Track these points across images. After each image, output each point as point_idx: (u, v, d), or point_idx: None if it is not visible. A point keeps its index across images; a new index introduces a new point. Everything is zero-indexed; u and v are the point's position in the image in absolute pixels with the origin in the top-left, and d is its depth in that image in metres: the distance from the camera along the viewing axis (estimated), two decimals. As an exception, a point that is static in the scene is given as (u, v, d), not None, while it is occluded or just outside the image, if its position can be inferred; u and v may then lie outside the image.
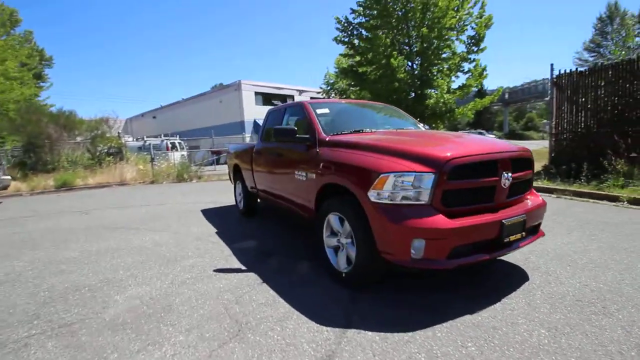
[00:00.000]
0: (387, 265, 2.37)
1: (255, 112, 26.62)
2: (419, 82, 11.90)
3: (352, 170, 2.47)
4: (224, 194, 8.37)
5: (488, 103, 12.84)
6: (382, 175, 2.23)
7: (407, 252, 2.15)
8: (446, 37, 11.78)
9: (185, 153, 18.49)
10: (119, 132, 14.58)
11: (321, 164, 2.89)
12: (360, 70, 13.32)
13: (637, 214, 4.69)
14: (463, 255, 2.19)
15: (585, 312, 2.18)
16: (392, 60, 10.84)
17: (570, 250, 3.33)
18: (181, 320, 2.30)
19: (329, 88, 25.74)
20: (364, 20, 12.85)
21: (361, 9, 12.79)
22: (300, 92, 29.67)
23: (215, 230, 4.71)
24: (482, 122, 48.86)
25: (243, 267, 3.26)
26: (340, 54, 15.57)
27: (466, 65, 12.62)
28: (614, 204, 5.28)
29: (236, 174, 5.86)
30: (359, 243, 2.44)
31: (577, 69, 7.92)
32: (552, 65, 8.07)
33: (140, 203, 7.52)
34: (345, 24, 13.18)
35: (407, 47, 12.38)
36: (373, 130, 3.35)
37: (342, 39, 13.49)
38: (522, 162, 2.57)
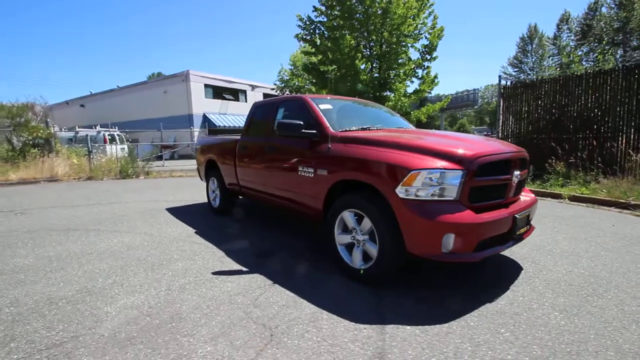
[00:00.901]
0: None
1: (205, 106, 25.26)
2: (378, 85, 12.35)
3: (378, 167, 2.46)
4: (185, 192, 7.80)
5: (438, 108, 13.83)
6: (412, 172, 2.26)
7: (438, 247, 2.21)
8: (403, 43, 12.42)
9: (126, 147, 16.78)
10: (47, 121, 12.67)
11: (335, 160, 2.83)
12: (322, 68, 13.41)
13: (580, 210, 5.45)
14: (485, 248, 2.32)
15: (581, 294, 2.47)
16: (357, 61, 11.08)
17: (543, 242, 3.74)
18: (199, 329, 2.08)
19: (283, 85, 25.45)
20: (326, 19, 12.94)
21: (323, 8, 12.86)
22: (253, 87, 28.86)
23: (194, 231, 4.35)
24: (422, 125, 52.56)
25: (244, 269, 3.06)
26: (302, 52, 15.49)
27: (420, 72, 13.45)
28: (557, 200, 6.07)
29: (210, 170, 5.48)
30: (382, 239, 2.45)
31: (519, 81, 8.92)
32: (500, 77, 8.98)
33: (86, 202, 6.63)
34: (308, 22, 13.16)
35: (368, 51, 12.76)
36: (379, 128, 3.38)
37: (304, 36, 13.46)
38: (524, 161, 2.82)
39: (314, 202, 3.14)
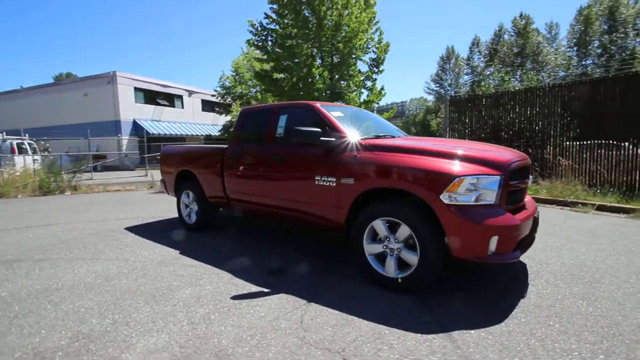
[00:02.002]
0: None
1: (136, 111, 22.94)
2: (332, 94, 12.62)
3: (421, 174, 2.47)
4: (137, 208, 6.90)
5: (386, 118, 14.66)
6: (457, 179, 2.33)
7: (485, 249, 2.30)
8: (354, 55, 12.94)
9: (39, 157, 14.28)
10: None
11: (364, 168, 2.77)
12: (275, 76, 13.22)
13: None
14: (519, 248, 2.49)
15: (585, 283, 2.79)
16: (313, 70, 11.17)
17: (524, 238, 4.16)
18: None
19: (224, 92, 24.49)
20: (278, 27, 12.84)
21: (274, 15, 12.77)
22: (190, 92, 27.12)
23: (178, 251, 3.84)
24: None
25: (265, 290, 2.79)
26: (254, 58, 15.09)
27: (368, 83, 14.14)
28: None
29: (182, 183, 4.94)
30: (424, 246, 2.46)
31: (464, 96, 9.96)
32: (447, 91, 9.89)
33: (11, 225, 5.42)
34: (260, 29, 12.91)
35: (321, 61, 12.98)
36: (393, 136, 3.42)
37: (256, 42, 13.16)
38: (530, 167, 3.11)
39: (335, 212, 3.03)
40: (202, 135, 26.35)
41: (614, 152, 6.77)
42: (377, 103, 14.25)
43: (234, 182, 4.03)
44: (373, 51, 13.66)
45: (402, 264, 2.65)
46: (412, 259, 2.54)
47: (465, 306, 2.44)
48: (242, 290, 2.78)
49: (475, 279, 2.97)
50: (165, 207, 6.89)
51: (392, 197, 2.72)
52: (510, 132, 8.67)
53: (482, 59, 44.28)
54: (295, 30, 12.31)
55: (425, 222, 2.46)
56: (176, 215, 5.91)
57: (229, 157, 4.04)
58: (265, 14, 12.75)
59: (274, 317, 2.33)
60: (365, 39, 12.70)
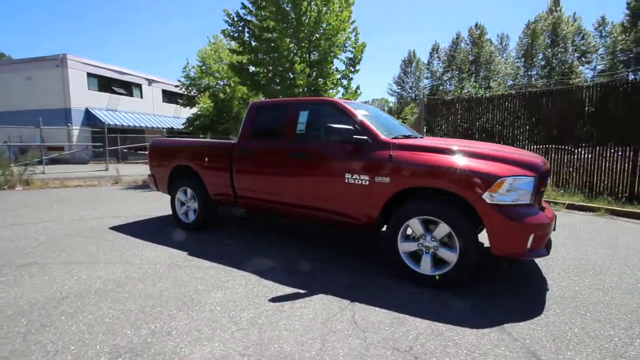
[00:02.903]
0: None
1: (89, 99, 20.97)
2: (313, 91, 12.56)
3: (464, 174, 2.54)
4: (113, 205, 6.35)
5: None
6: (500, 179, 2.44)
7: (524, 246, 2.45)
8: (332, 54, 12.98)
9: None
10: None
11: (401, 168, 2.80)
12: (252, 70, 12.83)
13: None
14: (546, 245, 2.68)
15: (591, 275, 3.07)
16: (296, 65, 11.02)
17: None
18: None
19: (189, 82, 23.28)
20: (254, 19, 12.45)
21: (251, 6, 12.38)
22: (151, 81, 25.34)
23: (186, 252, 3.60)
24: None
25: (302, 291, 2.71)
26: (229, 50, 14.51)
27: (345, 82, 14.27)
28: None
29: (178, 179, 4.62)
30: (464, 244, 2.55)
31: (439, 99, 10.44)
32: (423, 94, 10.30)
33: (-33, 225, 4.71)
34: (236, 19, 12.44)
35: (299, 56, 12.84)
36: (417, 136, 3.49)
37: (232, 33, 12.67)
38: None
39: (366, 211, 3.02)
40: (163, 128, 24.81)
41: (574, 156, 7.54)
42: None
43: (245, 179, 3.85)
44: (350, 50, 13.81)
45: (437, 262, 2.73)
46: (451, 256, 2.62)
47: (503, 300, 2.57)
48: (277, 292, 2.67)
49: (490, 275, 3.13)
50: (145, 204, 6.41)
51: (429, 196, 2.78)
52: (483, 136, 9.27)
53: (441, 65, 46.75)
54: (273, 23, 12.04)
55: (465, 221, 2.56)
56: (163, 213, 5.57)
57: (241, 153, 3.85)
58: (242, 4, 12.31)
59: (325, 319, 2.27)
60: (344, 38, 12.78)
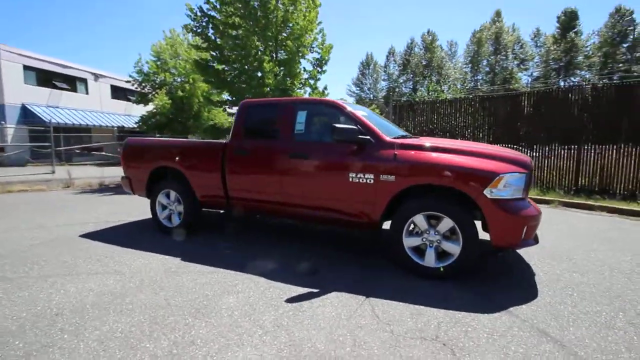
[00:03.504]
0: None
1: (26, 94, 18.74)
2: (281, 91, 12.45)
3: (467, 172, 2.72)
4: (72, 212, 5.80)
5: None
6: (499, 176, 2.66)
7: (519, 237, 2.69)
8: (301, 53, 12.99)
9: None
10: None
11: (406, 166, 2.91)
12: (217, 67, 12.39)
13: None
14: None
15: (566, 259, 3.45)
16: (264, 64, 10.85)
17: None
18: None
19: (142, 78, 21.83)
20: (218, 15, 12.04)
21: (215, 1, 11.97)
22: (97, 76, 23.26)
23: (178, 258, 3.41)
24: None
25: (314, 290, 2.72)
26: (191, 45, 13.87)
27: (312, 82, 14.35)
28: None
29: (159, 181, 4.35)
30: (466, 236, 2.73)
31: (406, 102, 10.93)
32: (391, 96, 10.72)
33: None
34: (199, 14, 11.94)
35: (268, 55, 12.66)
36: (411, 136, 3.63)
37: (194, 28, 12.14)
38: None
39: (371, 209, 3.10)
40: (112, 127, 22.95)
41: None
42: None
43: (239, 180, 3.74)
44: (317, 51, 13.91)
45: (439, 254, 2.89)
46: (454, 249, 2.80)
47: (500, 286, 2.80)
48: (291, 293, 2.65)
49: (481, 264, 3.38)
50: (111, 209, 5.93)
51: (431, 193, 2.93)
52: (447, 135, 9.88)
53: (397, 68, 48.79)
54: (238, 19, 11.76)
55: (467, 215, 2.74)
56: (136, 218, 5.22)
57: (234, 153, 3.73)
58: (206, -2, 11.83)
59: (348, 315, 2.31)
60: (311, 38, 12.84)
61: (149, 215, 5.33)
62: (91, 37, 74.57)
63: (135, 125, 22.62)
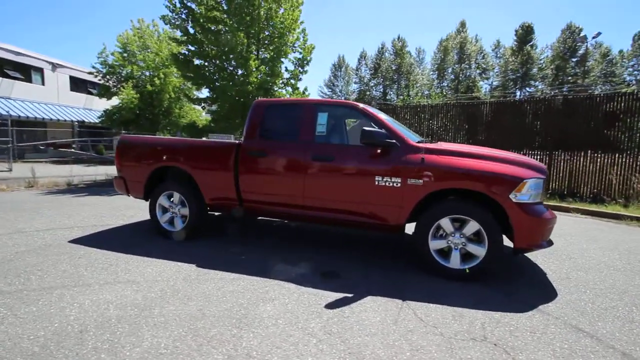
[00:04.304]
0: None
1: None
2: (264, 90, 12.23)
3: (494, 177, 2.83)
4: (50, 214, 5.32)
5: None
6: (524, 181, 2.80)
7: (540, 239, 2.86)
8: (284, 53, 12.85)
9: None
10: None
11: (434, 170, 2.98)
12: (196, 62, 11.91)
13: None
14: (548, 236, 3.15)
15: (566, 259, 3.71)
16: (250, 62, 10.60)
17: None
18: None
19: (106, 70, 20.46)
20: (196, 8, 11.58)
21: (195, -7, 11.52)
22: (55, 66, 21.35)
23: (193, 265, 3.23)
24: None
25: (349, 295, 2.69)
26: (170, 38, 13.18)
27: (293, 82, 14.26)
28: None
29: (159, 182, 4.10)
30: (492, 238, 2.85)
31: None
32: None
33: None
34: (179, 5, 11.42)
35: (252, 53, 12.39)
36: (428, 141, 3.72)
37: (173, 20, 11.59)
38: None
39: (397, 213, 3.14)
40: (72, 121, 21.20)
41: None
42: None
43: (255, 183, 3.61)
44: (299, 51, 13.84)
45: (463, 257, 2.99)
46: (480, 251, 2.91)
47: (521, 285, 2.96)
48: (326, 299, 2.61)
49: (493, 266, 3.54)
50: (91, 212, 5.50)
51: (457, 197, 3.03)
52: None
53: (368, 71, 49.80)
54: (218, 13, 11.43)
55: (493, 218, 2.87)
56: (125, 221, 4.90)
57: (249, 154, 3.60)
58: (186, -11, 11.34)
59: (394, 320, 2.32)
60: (294, 38, 12.76)
61: (138, 219, 5.05)
62: (49, 24, 68.26)
63: (97, 121, 21.07)
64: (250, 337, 2.06)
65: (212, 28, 11.53)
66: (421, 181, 3.01)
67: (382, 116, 3.38)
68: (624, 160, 7.22)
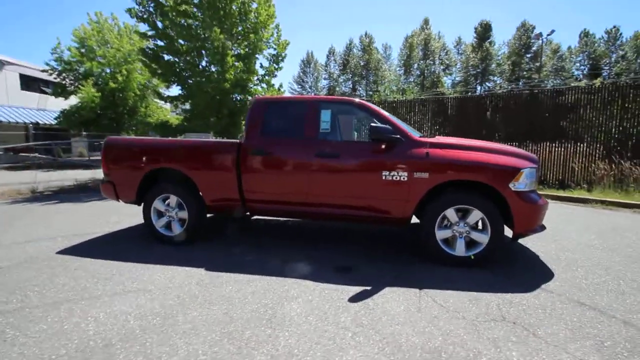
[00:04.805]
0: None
1: None
2: (240, 87, 11.96)
3: (496, 168, 3.02)
4: (18, 224, 4.95)
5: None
6: (521, 170, 3.01)
7: (535, 224, 3.09)
8: (259, 49, 12.64)
9: None
10: None
11: (439, 164, 3.11)
12: (166, 58, 11.40)
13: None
14: (539, 222, 3.41)
15: (551, 240, 4.03)
16: (227, 58, 10.32)
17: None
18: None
19: (60, 67, 19.03)
20: (164, 0, 11.06)
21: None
22: (2, 63, 19.43)
23: (202, 269, 3.15)
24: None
25: (367, 288, 2.76)
26: (136, 33, 12.46)
27: (267, 78, 14.07)
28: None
29: (153, 185, 3.93)
30: (495, 226, 3.04)
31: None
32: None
33: None
34: (147, -2, 10.85)
35: (229, 50, 12.06)
36: (433, 135, 3.85)
37: (139, 13, 11.00)
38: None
39: (402, 206, 3.24)
40: (24, 123, 19.50)
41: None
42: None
43: (259, 182, 3.57)
44: (273, 47, 13.67)
45: (467, 244, 3.17)
46: (483, 238, 3.10)
47: (520, 267, 3.19)
48: (348, 293, 2.66)
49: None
50: (69, 220, 5.18)
51: (460, 188, 3.19)
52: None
53: (337, 67, 50.12)
54: (187, 6, 11.02)
55: (494, 207, 3.06)
56: (111, 228, 4.67)
57: (252, 153, 3.54)
58: (153, -19, 10.79)
59: (417, 308, 2.42)
60: (269, 34, 12.58)
61: (124, 225, 4.85)
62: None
63: (54, 122, 19.54)
64: (287, 336, 2.07)
65: (183, 22, 11.08)
66: (427, 174, 3.14)
67: (385, 112, 3.47)
68: (584, 149, 7.91)
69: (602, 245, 3.91)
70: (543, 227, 3.28)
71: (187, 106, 12.96)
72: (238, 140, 3.70)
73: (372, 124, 3.11)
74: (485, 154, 3.17)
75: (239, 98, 12.68)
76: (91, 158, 21.34)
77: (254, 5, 12.02)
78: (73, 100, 19.12)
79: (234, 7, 11.40)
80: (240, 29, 12.00)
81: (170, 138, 4.45)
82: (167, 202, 3.91)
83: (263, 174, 3.59)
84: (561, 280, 2.90)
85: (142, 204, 3.94)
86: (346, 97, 3.92)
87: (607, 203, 6.21)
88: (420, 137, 3.43)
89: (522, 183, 3.05)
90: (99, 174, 11.74)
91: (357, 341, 2.02)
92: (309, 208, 3.53)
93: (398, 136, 3.25)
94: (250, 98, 12.90)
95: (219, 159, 3.68)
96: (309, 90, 51.96)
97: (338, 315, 2.32)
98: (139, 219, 5.14)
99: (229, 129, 11.87)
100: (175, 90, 14.20)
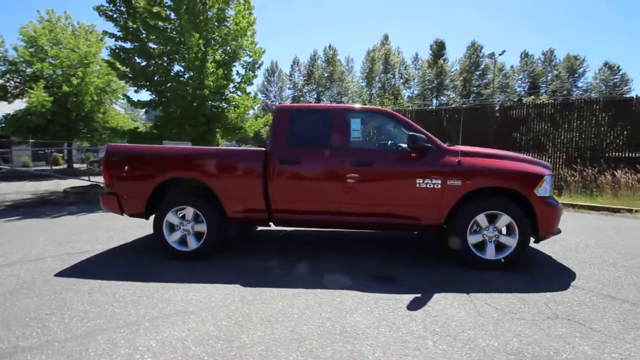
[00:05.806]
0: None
1: None
2: (219, 94, 11.58)
3: (523, 175, 3.21)
4: (9, 242, 4.26)
5: (262, 124, 14.68)
6: (544, 177, 3.25)
7: (556, 227, 3.33)
8: (238, 56, 12.39)
9: None
10: None
11: (470, 172, 3.25)
12: (139, 61, 10.73)
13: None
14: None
15: (552, 241, 4.36)
16: (207, 64, 9.96)
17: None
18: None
19: (4, 67, 17.17)
20: (133, 1, 10.48)
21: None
22: None
23: (237, 284, 2.95)
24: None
25: (417, 295, 2.77)
26: (105, 33, 11.59)
27: (243, 86, 13.83)
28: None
29: (166, 197, 3.64)
30: (523, 230, 3.23)
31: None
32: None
33: None
34: (117, -3, 10.18)
35: (209, 55, 11.66)
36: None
37: (108, 12, 10.28)
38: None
39: (436, 212, 3.32)
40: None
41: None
42: (254, 109, 14.07)
43: (288, 191, 3.45)
44: (249, 55, 13.49)
45: (496, 248, 3.33)
46: (511, 242, 3.27)
47: (539, 266, 3.40)
48: (403, 302, 2.64)
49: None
50: (52, 237, 4.64)
51: (489, 194, 3.35)
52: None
53: (301, 77, 50.58)
54: (160, 8, 10.57)
55: (522, 211, 3.25)
56: (109, 245, 4.22)
57: (281, 162, 3.42)
58: (124, -20, 10.18)
59: (476, 313, 2.47)
60: (248, 41, 12.40)
61: (119, 241, 4.50)
62: None
63: (-5, 129, 17.34)
64: (370, 350, 2.00)
65: (156, 25, 10.53)
66: (460, 182, 3.27)
67: (412, 122, 3.57)
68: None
69: (597, 244, 4.32)
70: (559, 230, 3.55)
71: (158, 112, 12.26)
72: (264, 149, 3.56)
73: (411, 133, 3.18)
74: (511, 162, 3.38)
75: (215, 105, 12.28)
76: (36, 168, 19.23)
77: (230, 12, 11.83)
78: (17, 104, 17.20)
79: (209, 14, 11.11)
80: (216, 35, 11.70)
81: (188, 146, 4.17)
82: (180, 214, 3.63)
83: (292, 183, 3.48)
84: (584, 277, 3.14)
85: (154, 216, 3.63)
86: (373, 107, 3.97)
87: (577, 207, 6.89)
88: (448, 145, 3.57)
89: (543, 189, 3.29)
90: (62, 184, 10.59)
91: (441, 349, 2.01)
92: (340, 217, 3.48)
93: (430, 145, 3.35)
94: (226, 106, 12.57)
95: (244, 168, 3.51)
96: (274, 99, 51.75)
97: (408, 324, 2.30)
98: (132, 234, 4.74)
99: (206, 137, 11.40)
100: (145, 95, 13.39)
